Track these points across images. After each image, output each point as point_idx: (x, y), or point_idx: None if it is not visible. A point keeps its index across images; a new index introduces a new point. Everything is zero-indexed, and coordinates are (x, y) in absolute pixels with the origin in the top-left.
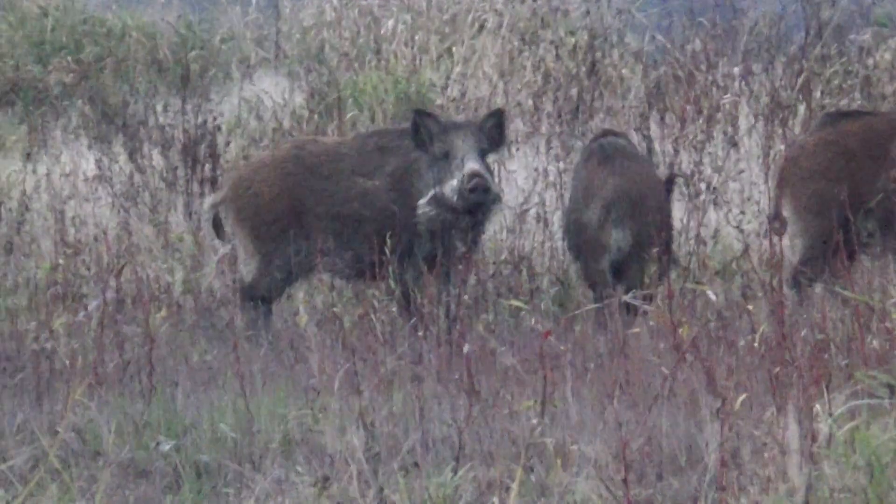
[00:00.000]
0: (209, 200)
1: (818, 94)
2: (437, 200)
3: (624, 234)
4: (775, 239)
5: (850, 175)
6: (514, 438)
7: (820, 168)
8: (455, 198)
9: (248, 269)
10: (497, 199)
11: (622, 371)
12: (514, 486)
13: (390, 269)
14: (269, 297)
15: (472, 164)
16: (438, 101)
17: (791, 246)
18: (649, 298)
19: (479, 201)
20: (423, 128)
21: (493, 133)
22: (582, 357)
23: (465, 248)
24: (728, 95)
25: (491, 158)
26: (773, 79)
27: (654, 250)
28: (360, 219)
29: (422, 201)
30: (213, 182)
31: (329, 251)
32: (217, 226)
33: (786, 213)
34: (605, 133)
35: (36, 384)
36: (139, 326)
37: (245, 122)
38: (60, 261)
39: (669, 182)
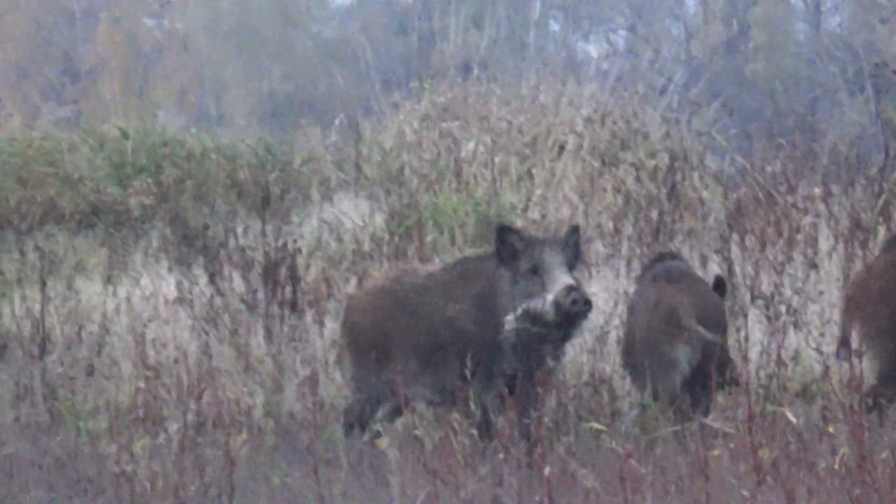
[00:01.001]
0: None
1: None
2: (529, 315)
3: (693, 349)
4: (855, 361)
5: None
6: None
7: (890, 289)
8: (551, 311)
9: (348, 394)
10: (590, 309)
11: (703, 493)
12: None
13: (471, 392)
14: (360, 423)
15: (566, 278)
16: (519, 223)
17: (869, 368)
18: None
19: (577, 313)
20: (507, 243)
21: (573, 249)
22: (663, 479)
23: (553, 363)
24: (808, 217)
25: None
26: (853, 200)
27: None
28: (443, 345)
29: (509, 317)
30: (294, 305)
31: (412, 379)
32: None
33: (859, 336)
34: (663, 256)
35: None
36: (220, 449)
37: (325, 244)
38: (141, 383)
39: (717, 287)
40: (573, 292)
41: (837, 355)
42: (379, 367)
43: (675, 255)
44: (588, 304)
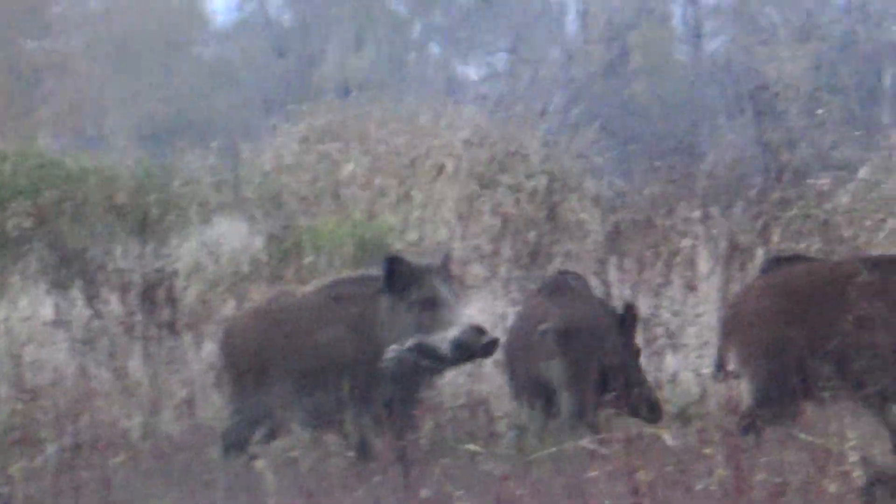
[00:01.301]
0: None
1: (777, 237)
2: (423, 349)
3: (556, 366)
4: (732, 383)
5: (799, 319)
6: None
7: (767, 312)
8: (449, 349)
9: (227, 416)
10: (496, 349)
11: None
12: None
13: (348, 414)
14: (238, 445)
15: (465, 317)
16: (397, 245)
17: (746, 390)
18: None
19: (486, 354)
20: (397, 273)
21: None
22: (539, 501)
23: (426, 392)
24: (687, 239)
25: None
26: (732, 222)
27: (611, 395)
28: (321, 369)
29: (395, 346)
30: (171, 327)
31: (290, 402)
32: None
33: (736, 358)
34: (561, 273)
35: None
36: (96, 472)
37: (203, 267)
38: (18, 406)
39: (629, 318)
40: (482, 335)
41: (715, 377)
42: (257, 389)
43: (571, 273)
44: (496, 344)
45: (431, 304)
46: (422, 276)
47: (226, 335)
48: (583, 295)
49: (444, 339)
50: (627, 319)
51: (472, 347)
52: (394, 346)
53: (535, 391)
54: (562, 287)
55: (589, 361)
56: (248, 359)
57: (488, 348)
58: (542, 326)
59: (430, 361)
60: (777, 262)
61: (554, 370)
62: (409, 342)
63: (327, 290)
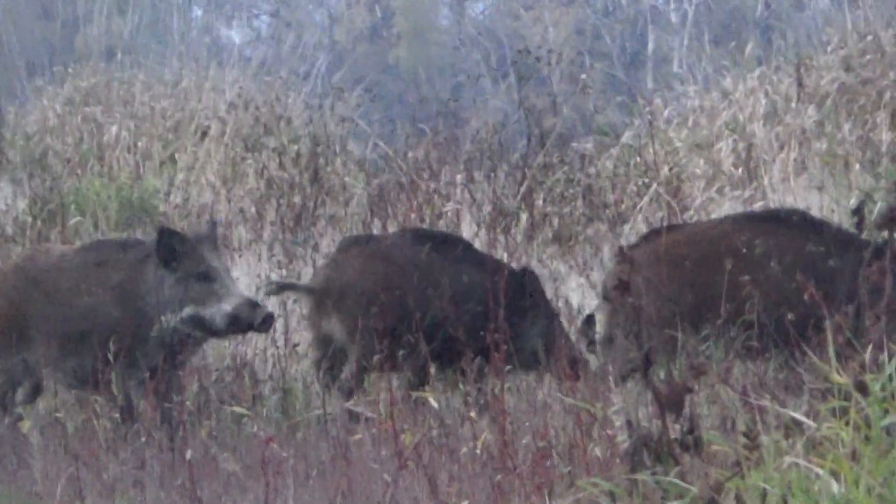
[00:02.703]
0: None
1: (541, 202)
2: (196, 320)
3: (329, 324)
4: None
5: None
6: None
7: (657, 278)
8: (223, 322)
9: None
10: (273, 323)
11: (344, 478)
12: None
13: (113, 376)
14: (0, 405)
15: (241, 291)
16: (161, 208)
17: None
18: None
19: (263, 328)
20: (169, 246)
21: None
22: (304, 464)
23: (192, 356)
24: (451, 203)
25: None
26: (496, 187)
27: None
28: (83, 333)
29: (168, 316)
30: None
31: (52, 362)
32: None
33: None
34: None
35: None
36: None
37: None
38: None
39: (524, 280)
40: (258, 309)
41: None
42: (16, 348)
43: (376, 236)
44: (272, 318)
45: (204, 277)
46: (193, 248)
47: None
48: (376, 254)
49: (218, 312)
50: (521, 282)
51: (246, 321)
52: (167, 317)
53: (320, 349)
54: (352, 244)
55: (363, 320)
56: (4, 316)
57: (265, 323)
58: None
59: (204, 333)
60: (658, 231)
61: (333, 328)
62: (184, 313)
63: (90, 253)
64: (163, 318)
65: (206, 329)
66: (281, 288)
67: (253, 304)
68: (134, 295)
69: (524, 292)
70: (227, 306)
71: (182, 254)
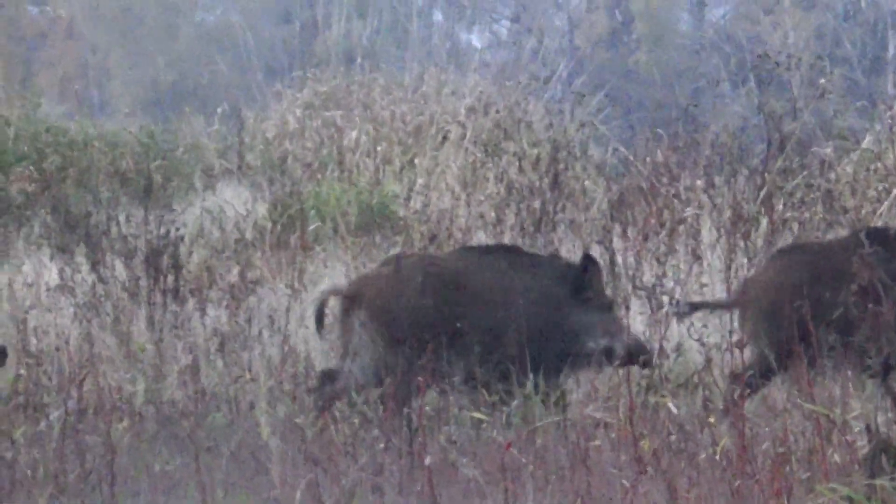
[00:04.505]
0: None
1: (780, 207)
2: (607, 353)
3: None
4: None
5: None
6: None
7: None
8: (623, 355)
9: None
10: None
11: (583, 483)
12: None
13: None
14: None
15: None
16: (401, 213)
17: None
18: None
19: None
20: (591, 276)
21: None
22: (543, 469)
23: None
24: (690, 208)
25: None
26: (735, 192)
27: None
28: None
29: (591, 343)
30: (176, 292)
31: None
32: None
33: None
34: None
35: None
36: (100, 437)
37: (207, 233)
38: (22, 371)
39: (588, 268)
40: (646, 346)
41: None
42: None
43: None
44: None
45: (609, 309)
46: (604, 286)
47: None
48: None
49: (621, 344)
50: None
51: (636, 357)
52: (590, 343)
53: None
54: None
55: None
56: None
57: (649, 363)
58: None
59: (607, 363)
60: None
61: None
62: (600, 342)
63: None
64: (590, 343)
65: (610, 359)
66: (693, 308)
67: (640, 343)
68: (555, 311)
69: (587, 284)
70: (628, 340)
71: (599, 287)
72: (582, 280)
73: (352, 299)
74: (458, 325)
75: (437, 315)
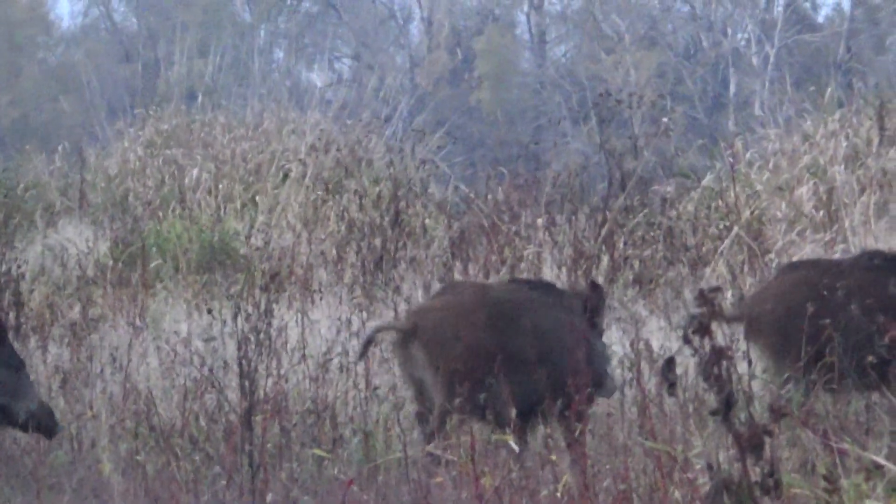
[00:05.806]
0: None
1: (621, 244)
2: (609, 381)
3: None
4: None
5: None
6: None
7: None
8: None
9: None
10: None
11: None
12: None
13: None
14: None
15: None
16: (242, 251)
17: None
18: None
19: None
20: (600, 303)
21: None
22: None
23: None
24: (531, 245)
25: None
26: (577, 230)
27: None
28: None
29: (608, 370)
30: (18, 330)
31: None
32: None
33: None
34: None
35: None
36: None
37: (49, 270)
38: None
39: (593, 296)
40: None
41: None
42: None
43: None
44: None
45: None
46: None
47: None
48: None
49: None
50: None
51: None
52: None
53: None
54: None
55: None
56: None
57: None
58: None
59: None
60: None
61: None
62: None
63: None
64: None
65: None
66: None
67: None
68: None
69: (599, 312)
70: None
71: (602, 314)
72: (596, 308)
73: (409, 332)
74: (515, 356)
75: (496, 346)
